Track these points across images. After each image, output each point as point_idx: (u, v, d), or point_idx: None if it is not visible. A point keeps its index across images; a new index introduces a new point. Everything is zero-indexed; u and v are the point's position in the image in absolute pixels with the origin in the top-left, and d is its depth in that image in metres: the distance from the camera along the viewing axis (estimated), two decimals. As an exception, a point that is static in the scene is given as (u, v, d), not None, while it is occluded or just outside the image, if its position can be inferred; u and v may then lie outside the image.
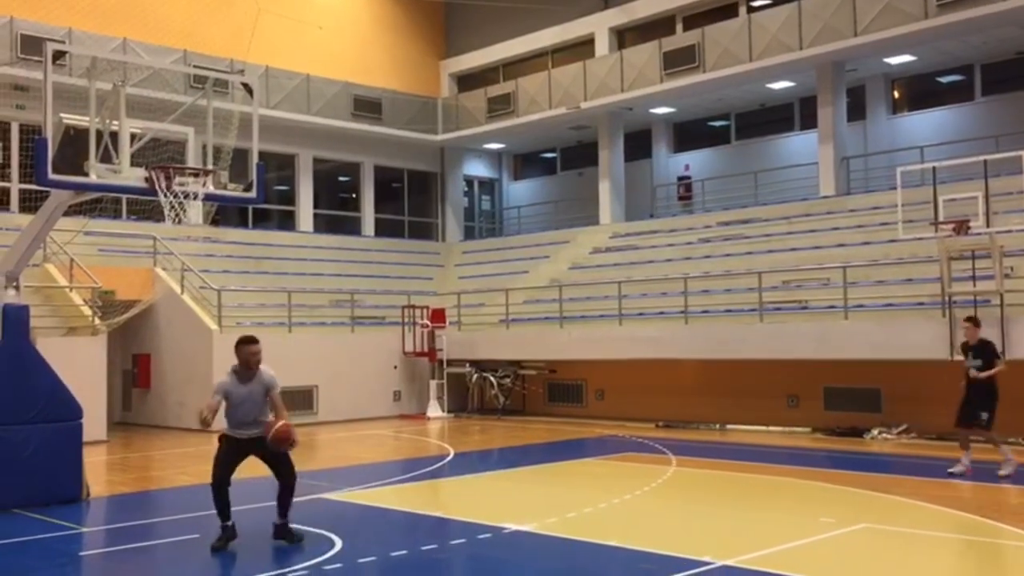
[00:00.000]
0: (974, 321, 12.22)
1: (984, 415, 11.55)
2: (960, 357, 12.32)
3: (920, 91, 23.76)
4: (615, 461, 14.31)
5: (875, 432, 16.16)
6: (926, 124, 23.07)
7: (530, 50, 29.28)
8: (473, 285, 25.40)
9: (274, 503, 8.47)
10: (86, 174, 9.36)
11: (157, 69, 17.96)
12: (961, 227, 14.35)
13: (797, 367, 17.27)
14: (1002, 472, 11.44)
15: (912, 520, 9.34)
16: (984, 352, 11.80)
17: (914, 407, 16.10)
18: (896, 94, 23.98)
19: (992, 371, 11.61)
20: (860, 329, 16.05)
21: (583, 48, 27.75)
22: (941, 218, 14.66)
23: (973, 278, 15.05)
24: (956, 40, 20.74)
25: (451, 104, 29.76)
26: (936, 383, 15.66)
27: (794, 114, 25.45)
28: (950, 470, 11.79)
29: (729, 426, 18.17)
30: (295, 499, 8.55)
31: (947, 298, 15.05)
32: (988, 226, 14.40)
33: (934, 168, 15.27)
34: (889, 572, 7.58)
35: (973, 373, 11.70)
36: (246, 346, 8.39)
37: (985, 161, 14.87)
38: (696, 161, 27.22)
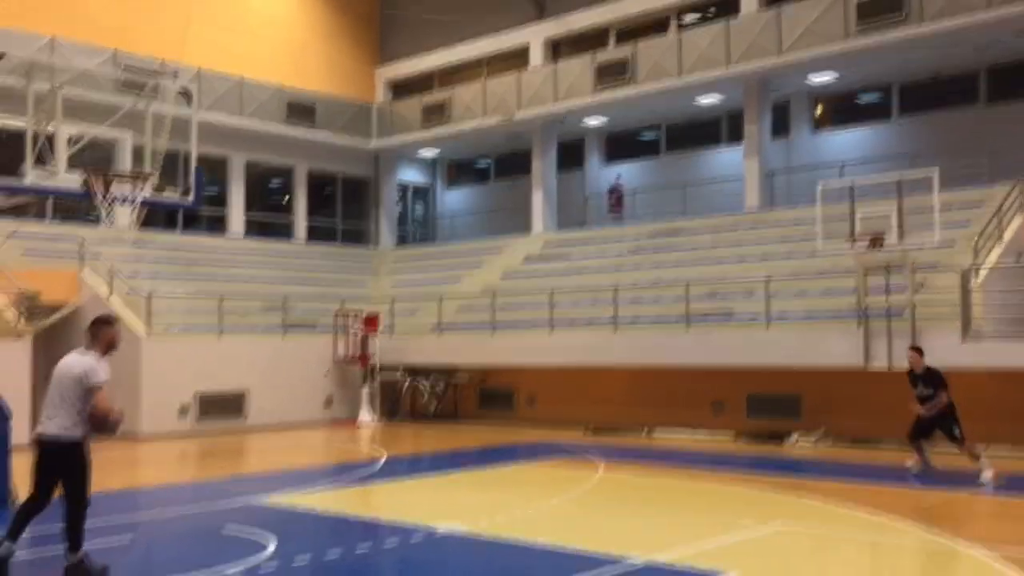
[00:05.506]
0: (918, 350, 12.76)
1: (958, 431, 12.14)
2: (876, 365, 12.78)
3: (841, 109, 24.62)
4: (545, 466, 14.59)
5: (794, 438, 16.74)
6: (846, 141, 23.92)
7: (465, 59, 29.50)
8: (406, 292, 25.47)
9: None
10: (20, 177, 9.29)
11: (90, 70, 17.67)
12: (876, 242, 14.99)
13: (722, 375, 17.78)
14: (985, 477, 11.78)
15: (825, 521, 9.80)
16: (933, 381, 12.38)
17: (831, 414, 16.71)
18: (818, 111, 24.82)
19: (940, 405, 12.24)
20: (781, 338, 16.62)
21: (518, 58, 28.08)
22: (858, 233, 15.28)
23: (887, 291, 15.72)
24: (875, 61, 21.60)
25: (386, 110, 29.84)
26: (852, 390, 16.34)
27: (721, 128, 26.11)
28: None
29: (656, 432, 18.61)
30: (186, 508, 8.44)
31: (863, 309, 15.69)
32: (901, 241, 15.06)
33: (852, 184, 15.90)
34: (801, 570, 7.99)
35: (924, 411, 12.34)
36: (113, 326, 7.49)
37: (900, 179, 15.53)
38: (627, 172, 27.73)
